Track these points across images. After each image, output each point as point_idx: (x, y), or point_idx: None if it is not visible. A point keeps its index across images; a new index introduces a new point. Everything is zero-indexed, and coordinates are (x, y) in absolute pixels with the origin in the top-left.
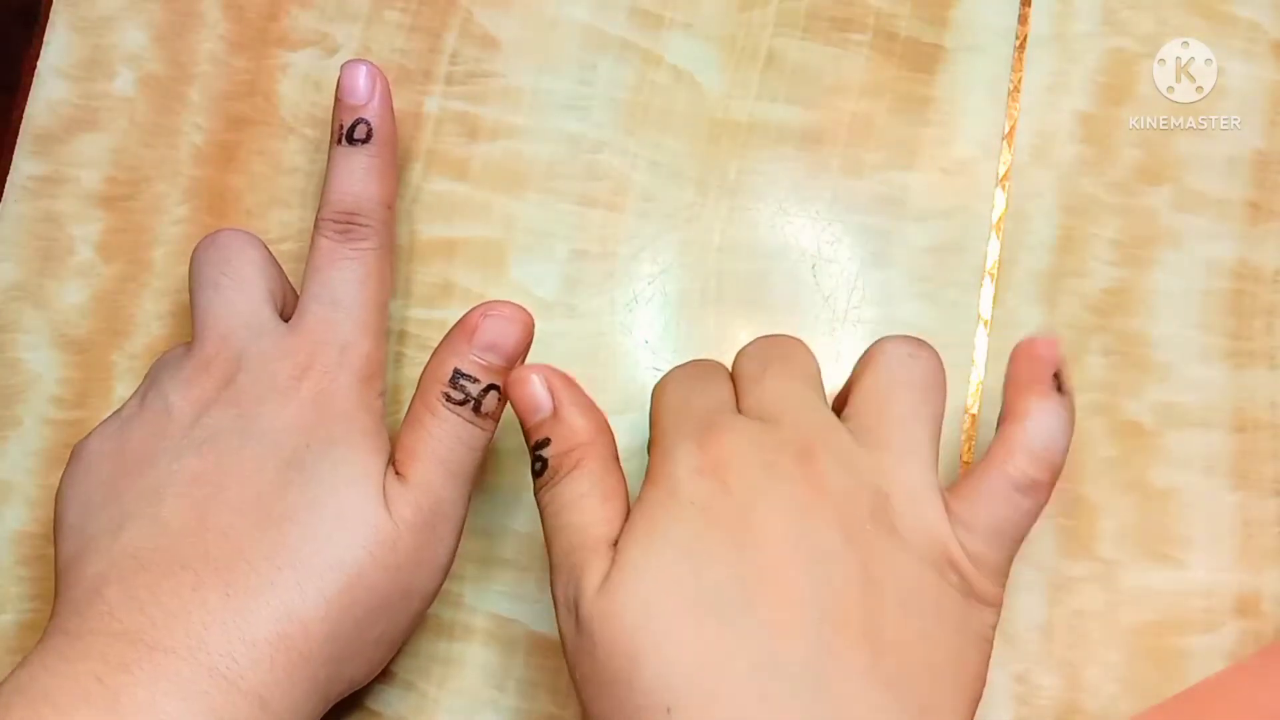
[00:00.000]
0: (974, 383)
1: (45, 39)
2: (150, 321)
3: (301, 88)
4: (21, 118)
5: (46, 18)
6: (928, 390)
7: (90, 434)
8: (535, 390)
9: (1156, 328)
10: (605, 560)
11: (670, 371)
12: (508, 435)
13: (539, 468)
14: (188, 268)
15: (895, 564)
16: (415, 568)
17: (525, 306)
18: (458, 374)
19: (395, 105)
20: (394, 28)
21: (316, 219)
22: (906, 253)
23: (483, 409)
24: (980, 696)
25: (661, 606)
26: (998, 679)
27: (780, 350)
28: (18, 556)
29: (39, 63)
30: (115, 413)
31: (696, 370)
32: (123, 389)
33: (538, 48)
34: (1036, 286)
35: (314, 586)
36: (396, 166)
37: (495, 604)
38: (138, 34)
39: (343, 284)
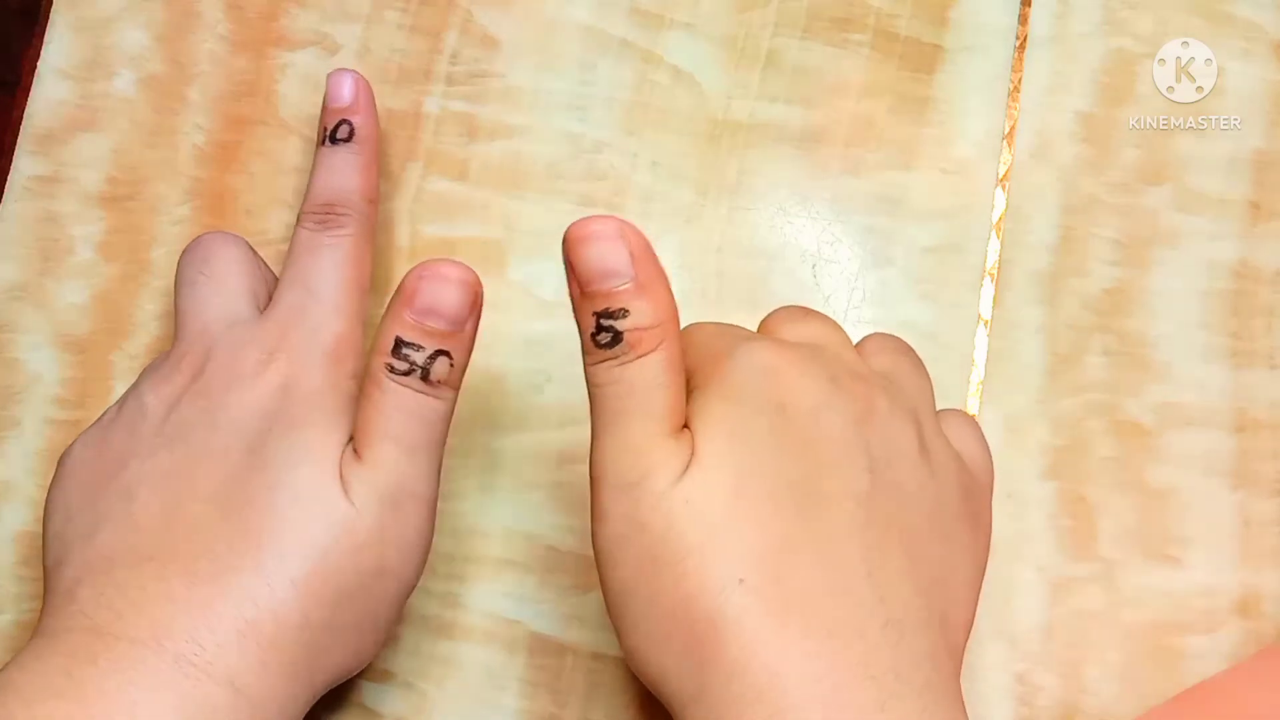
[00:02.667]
0: (974, 383)
1: (45, 39)
2: (150, 321)
3: (301, 88)
4: (21, 118)
5: (46, 18)
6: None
7: (74, 442)
8: (616, 250)
9: (1156, 328)
10: (685, 447)
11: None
12: (506, 435)
13: (607, 340)
14: None
15: (926, 485)
16: (381, 548)
17: (464, 263)
18: (399, 343)
19: (395, 105)
20: (394, 28)
21: (299, 214)
22: (906, 253)
23: (432, 376)
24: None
25: (748, 490)
26: (998, 679)
27: (806, 309)
28: (18, 556)
29: (39, 63)
30: (97, 420)
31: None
32: (123, 389)
33: (538, 48)
34: (1036, 286)
35: (277, 571)
36: (378, 165)
37: (495, 604)
38: (138, 34)
39: (318, 269)
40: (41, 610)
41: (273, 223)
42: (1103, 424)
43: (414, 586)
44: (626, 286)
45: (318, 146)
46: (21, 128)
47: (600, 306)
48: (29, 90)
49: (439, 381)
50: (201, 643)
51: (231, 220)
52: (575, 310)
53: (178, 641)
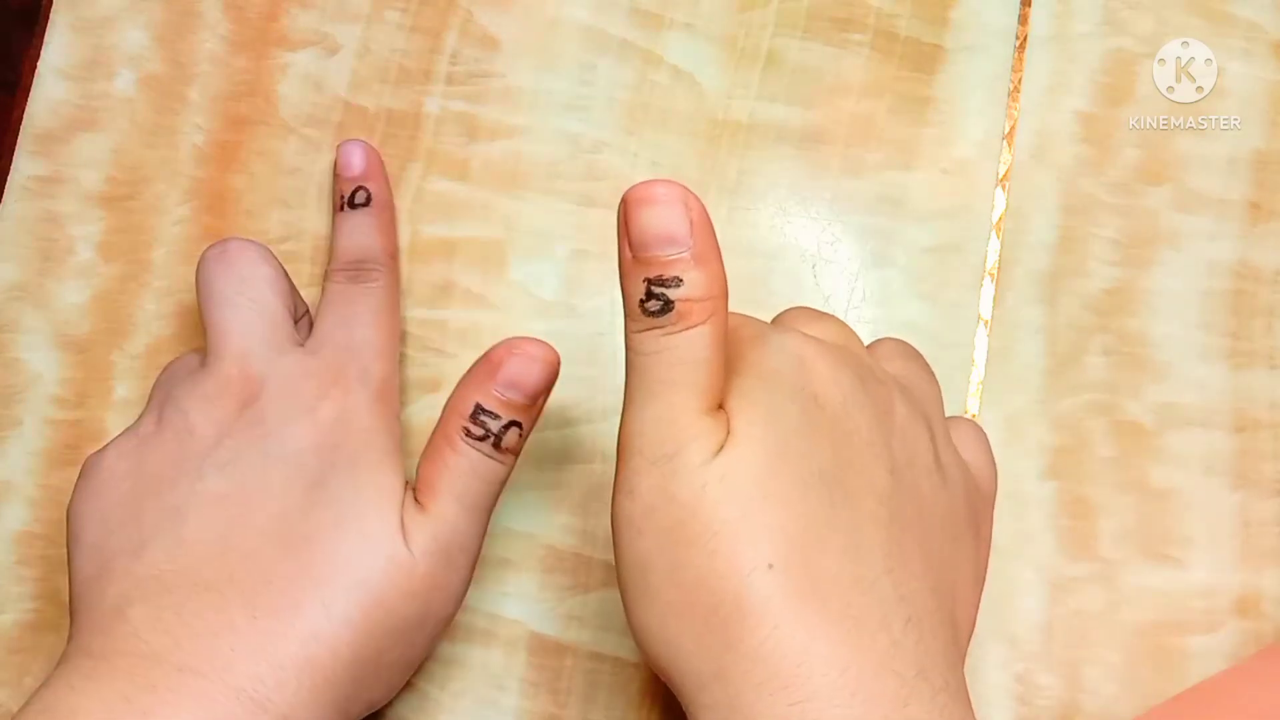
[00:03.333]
0: (974, 383)
1: (45, 39)
2: (150, 321)
3: (301, 88)
4: (22, 118)
5: (46, 18)
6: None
7: (105, 449)
8: (676, 217)
9: (1156, 328)
10: (722, 425)
11: None
12: None
13: (657, 308)
14: (191, 268)
15: (939, 491)
16: (430, 594)
17: (550, 343)
18: (479, 409)
19: (395, 105)
20: (394, 28)
21: (326, 273)
22: (906, 253)
23: (503, 444)
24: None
25: (782, 473)
26: (998, 679)
27: (819, 311)
28: (18, 556)
29: (39, 63)
30: (131, 429)
31: None
32: (123, 389)
33: (538, 48)
34: (1036, 286)
35: (339, 608)
36: (396, 228)
37: (496, 604)
38: (138, 34)
39: (357, 315)
40: (74, 621)
41: (273, 223)
42: (1103, 424)
43: (445, 630)
44: (683, 255)
45: (335, 212)
46: (21, 128)
47: (654, 273)
48: (29, 90)
49: (507, 449)
50: (264, 679)
51: (232, 220)
52: (623, 275)
53: (240, 676)
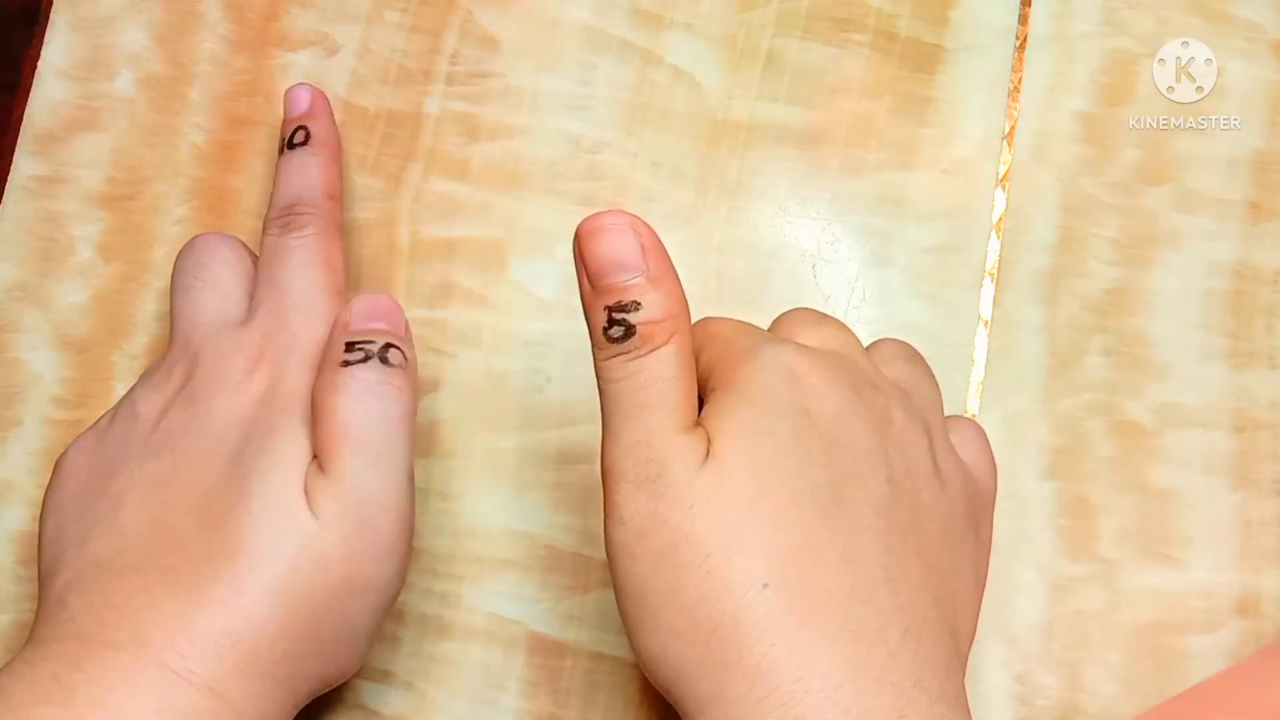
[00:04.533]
0: (974, 383)
1: (45, 39)
2: (150, 321)
3: None
4: (21, 118)
5: (46, 18)
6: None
7: (69, 447)
8: (627, 244)
9: (1156, 328)
10: (701, 442)
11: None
12: (506, 435)
13: (620, 334)
14: None
15: (938, 497)
16: (350, 560)
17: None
18: (349, 345)
19: (395, 105)
20: (394, 28)
21: (264, 224)
22: (906, 253)
23: (390, 361)
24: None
25: (771, 491)
26: (998, 679)
27: (820, 313)
28: (18, 556)
29: (39, 63)
30: (93, 424)
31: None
32: (123, 389)
33: (538, 48)
34: (1036, 286)
35: (252, 583)
36: (338, 164)
37: (495, 604)
38: (138, 34)
39: (287, 273)
40: (35, 615)
41: None
42: (1103, 424)
43: (394, 597)
44: (638, 280)
45: (278, 155)
46: (21, 128)
47: (612, 300)
48: (29, 90)
49: (396, 367)
50: (181, 651)
51: (232, 220)
52: (585, 306)
53: (159, 649)
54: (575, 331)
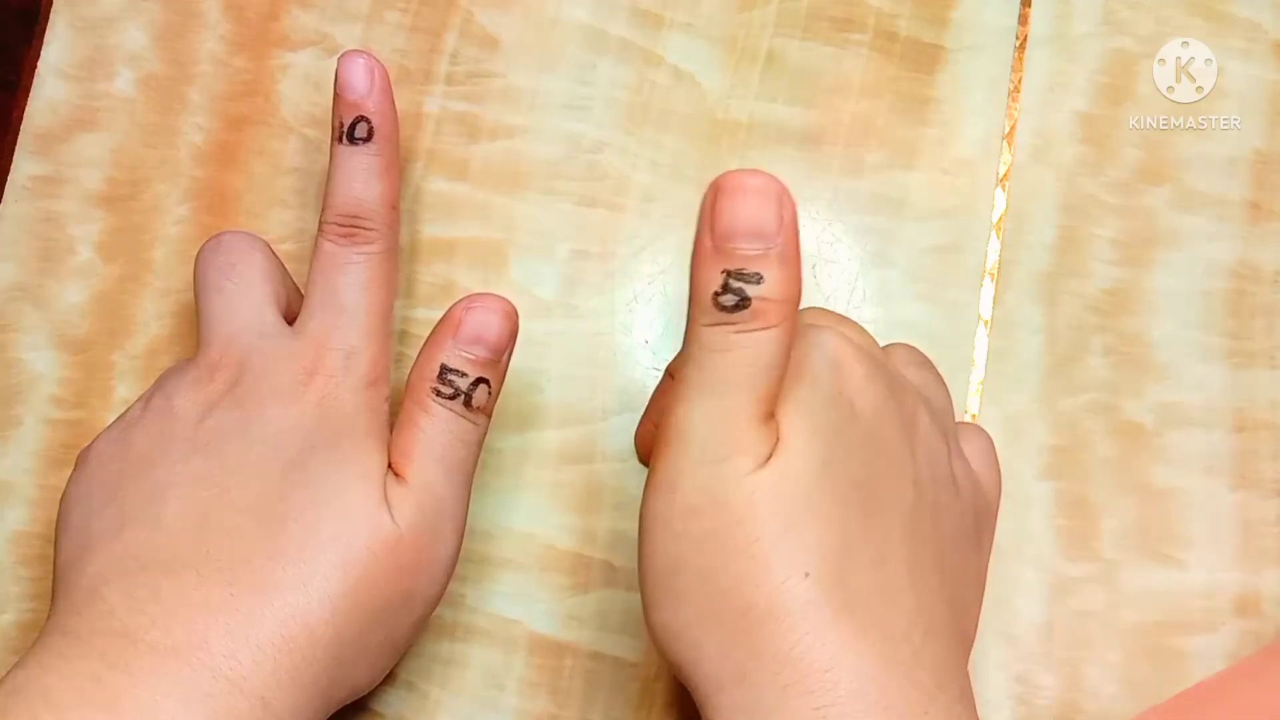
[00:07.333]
0: (974, 383)
1: (45, 39)
2: (150, 321)
3: (301, 88)
4: (21, 118)
5: (46, 18)
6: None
7: (96, 438)
8: (768, 211)
9: (1156, 328)
10: (772, 434)
11: None
12: (506, 435)
13: (731, 302)
14: (190, 268)
15: (952, 503)
16: (417, 569)
17: (510, 299)
18: (445, 370)
19: (396, 105)
20: (394, 28)
21: (320, 221)
22: (906, 253)
23: (473, 403)
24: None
25: (823, 487)
26: (998, 679)
27: (838, 314)
28: (18, 556)
29: (39, 63)
30: (120, 417)
31: None
32: (123, 389)
33: (538, 48)
34: (1036, 286)
35: (318, 587)
36: (399, 163)
37: (496, 604)
38: (138, 34)
39: (347, 289)
40: (54, 602)
41: (273, 223)
42: (1103, 424)
43: (431, 612)
44: (769, 251)
45: (334, 142)
46: (21, 128)
47: (734, 265)
48: (29, 90)
49: (478, 408)
50: (240, 658)
51: (232, 220)
52: (699, 262)
53: (215, 655)
54: (575, 332)
